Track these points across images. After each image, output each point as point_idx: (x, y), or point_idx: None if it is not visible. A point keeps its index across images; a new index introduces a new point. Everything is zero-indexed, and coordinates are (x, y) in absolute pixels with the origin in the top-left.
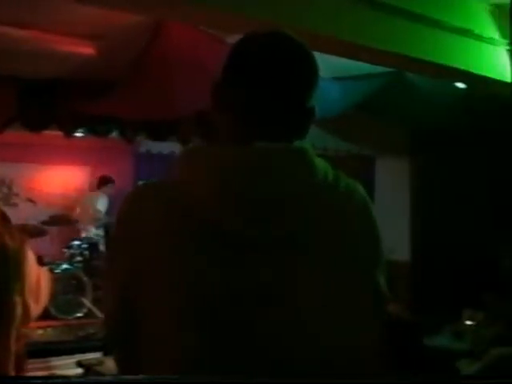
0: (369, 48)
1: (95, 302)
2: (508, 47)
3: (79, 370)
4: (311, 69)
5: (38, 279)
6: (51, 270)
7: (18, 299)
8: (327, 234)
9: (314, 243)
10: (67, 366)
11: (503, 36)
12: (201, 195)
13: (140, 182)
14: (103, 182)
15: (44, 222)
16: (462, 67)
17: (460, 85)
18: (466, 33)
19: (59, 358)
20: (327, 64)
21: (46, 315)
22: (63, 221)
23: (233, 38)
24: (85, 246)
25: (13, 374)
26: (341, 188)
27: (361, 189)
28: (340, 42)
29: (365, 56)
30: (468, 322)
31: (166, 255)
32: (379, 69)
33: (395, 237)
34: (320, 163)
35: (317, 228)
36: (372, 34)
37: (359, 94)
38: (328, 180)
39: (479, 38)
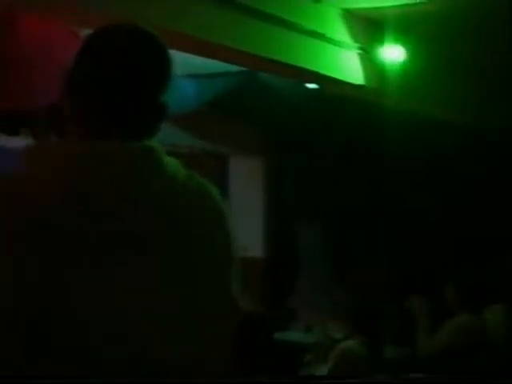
0: (220, 46)
1: None
2: (359, 51)
3: None
4: (164, 63)
5: None
6: None
7: None
8: (174, 234)
9: (160, 243)
10: None
11: (354, 40)
12: (43, 193)
13: None
14: None
15: None
16: (313, 69)
17: (313, 86)
18: (316, 35)
19: None
20: (181, 61)
21: None
22: None
23: (85, 32)
24: None
25: None
26: (191, 187)
27: (212, 188)
28: (191, 40)
29: (217, 54)
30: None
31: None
32: (234, 67)
33: (250, 235)
34: (170, 162)
35: (163, 228)
36: (224, 32)
37: (213, 91)
38: (178, 179)
39: (330, 40)
